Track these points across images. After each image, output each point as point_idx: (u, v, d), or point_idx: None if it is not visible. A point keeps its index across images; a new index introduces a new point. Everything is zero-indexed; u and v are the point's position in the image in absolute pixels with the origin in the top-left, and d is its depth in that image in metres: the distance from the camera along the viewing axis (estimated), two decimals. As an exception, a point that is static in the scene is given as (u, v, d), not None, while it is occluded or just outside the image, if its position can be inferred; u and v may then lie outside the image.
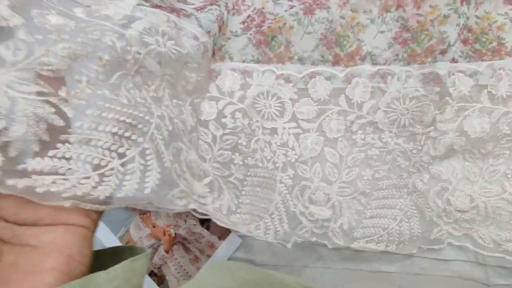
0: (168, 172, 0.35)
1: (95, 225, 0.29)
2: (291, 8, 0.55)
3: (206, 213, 0.41)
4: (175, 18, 0.41)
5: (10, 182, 0.26)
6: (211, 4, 0.47)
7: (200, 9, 0.47)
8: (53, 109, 0.28)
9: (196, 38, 0.45)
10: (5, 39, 0.26)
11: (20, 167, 0.26)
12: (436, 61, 0.50)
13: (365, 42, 0.53)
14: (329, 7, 0.51)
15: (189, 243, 0.74)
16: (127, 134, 0.33)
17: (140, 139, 0.34)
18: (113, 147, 0.32)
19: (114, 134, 0.32)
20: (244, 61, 0.53)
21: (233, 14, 0.55)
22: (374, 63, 0.53)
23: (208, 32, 0.46)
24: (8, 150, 0.26)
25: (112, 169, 0.31)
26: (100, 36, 0.32)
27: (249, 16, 0.57)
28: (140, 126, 0.34)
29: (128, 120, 0.33)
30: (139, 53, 0.35)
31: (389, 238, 0.53)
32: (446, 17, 0.49)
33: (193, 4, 0.50)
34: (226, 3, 0.51)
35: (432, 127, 0.51)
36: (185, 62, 0.44)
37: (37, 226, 0.26)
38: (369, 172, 0.54)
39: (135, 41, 0.36)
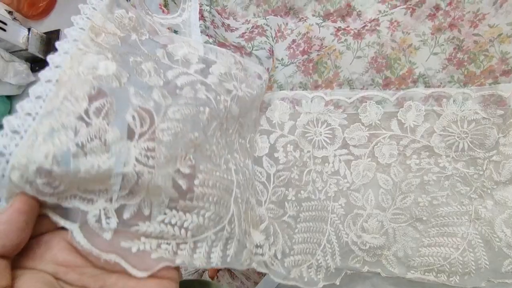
0: (242, 234, 0.34)
1: (181, 276, 0.28)
2: (337, 31, 0.54)
3: (265, 271, 0.40)
4: (240, 58, 0.41)
5: (124, 244, 0.25)
6: (260, 35, 0.47)
7: (250, 39, 0.47)
8: (171, 182, 0.28)
9: (259, 77, 0.44)
10: (125, 107, 0.26)
11: (133, 229, 0.26)
12: (498, 83, 0.47)
13: (417, 64, 0.51)
14: (379, 31, 0.50)
15: (235, 269, 0.73)
16: (223, 201, 0.33)
17: (229, 204, 0.33)
18: (213, 216, 0.31)
19: (216, 202, 0.31)
20: (292, 89, 0.52)
21: (277, 41, 0.55)
22: (427, 85, 0.51)
23: (267, 69, 0.46)
24: (123, 213, 0.26)
25: (206, 236, 0.30)
26: (195, 93, 0.32)
27: (294, 41, 0.56)
28: (229, 189, 0.33)
29: (222, 185, 0.33)
30: (227, 101, 0.35)
31: (451, 269, 0.50)
32: (509, 36, 0.46)
33: (238, 28, 0.50)
34: (272, 33, 0.50)
35: (495, 151, 0.49)
36: (253, 101, 0.43)
37: (127, 276, 0.25)
38: (425, 198, 0.52)
39: (220, 89, 0.35)
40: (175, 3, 0.44)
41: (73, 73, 0.26)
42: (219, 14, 0.53)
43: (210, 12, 0.47)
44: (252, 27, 0.51)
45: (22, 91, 0.81)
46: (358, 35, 0.51)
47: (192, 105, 0.31)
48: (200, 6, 0.46)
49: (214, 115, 0.34)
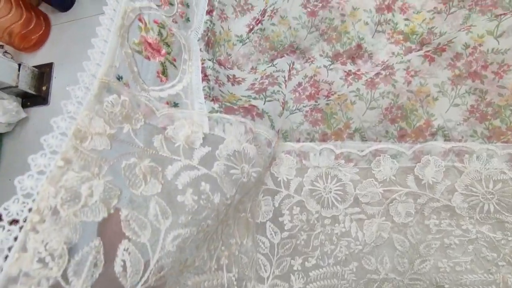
0: None
1: None
2: (347, 75, 0.50)
3: None
4: (250, 125, 0.37)
5: None
6: (272, 84, 0.43)
7: (261, 91, 0.42)
8: None
9: (269, 144, 0.40)
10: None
11: None
12: (528, 141, 0.43)
13: (436, 116, 0.47)
14: (394, 80, 0.45)
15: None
16: None
17: None
18: None
19: None
20: (299, 140, 0.48)
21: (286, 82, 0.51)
22: (446, 139, 0.46)
23: (278, 131, 0.41)
24: None
25: None
26: (198, 198, 0.29)
27: (300, 84, 0.52)
28: None
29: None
30: (232, 197, 0.31)
31: None
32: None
33: (244, 79, 0.45)
34: (284, 77, 0.46)
35: (525, 216, 0.43)
36: (259, 178, 0.39)
37: None
38: (447, 264, 0.47)
39: (227, 181, 0.32)
40: (174, 66, 0.40)
41: (48, 215, 0.22)
42: (222, 65, 0.49)
43: (213, 69, 0.44)
44: (261, 77, 0.47)
45: (13, 128, 0.77)
46: (372, 84, 0.47)
47: (194, 223, 0.29)
48: (203, 63, 0.43)
49: (214, 219, 0.30)
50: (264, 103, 0.44)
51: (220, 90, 0.43)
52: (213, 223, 0.33)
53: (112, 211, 0.26)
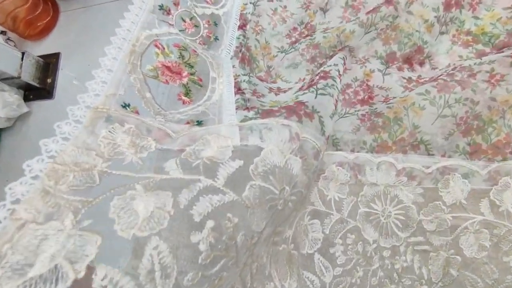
0: None
1: None
2: (408, 82, 0.42)
3: None
4: (296, 127, 0.30)
5: None
6: (324, 78, 0.35)
7: (311, 85, 0.35)
8: None
9: (317, 155, 0.33)
10: None
11: None
12: None
13: (520, 131, 0.38)
14: (475, 84, 0.38)
15: None
16: None
17: None
18: None
19: None
20: (353, 149, 0.40)
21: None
22: (532, 158, 0.38)
23: (327, 137, 0.34)
24: None
25: None
26: (224, 244, 0.23)
27: (349, 86, 0.45)
28: None
29: None
30: (259, 232, 0.24)
31: None
32: None
33: (291, 88, 0.39)
34: (338, 70, 0.38)
35: None
36: (302, 202, 0.32)
37: None
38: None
39: (258, 215, 0.26)
40: (200, 85, 0.38)
41: None
42: (262, 81, 0.43)
43: (249, 82, 0.41)
44: (311, 80, 0.40)
45: (13, 123, 0.69)
46: (446, 87, 0.39)
47: (202, 282, 0.23)
48: (236, 79, 0.38)
49: (232, 268, 0.25)
50: (315, 97, 0.36)
51: (260, 100, 0.37)
52: (229, 273, 0.26)
53: (81, 274, 0.19)
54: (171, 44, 0.38)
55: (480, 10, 0.45)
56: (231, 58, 0.46)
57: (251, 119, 0.34)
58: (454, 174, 0.41)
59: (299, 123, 0.34)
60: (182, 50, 0.37)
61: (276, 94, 0.42)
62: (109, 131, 0.27)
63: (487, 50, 0.43)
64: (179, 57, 0.37)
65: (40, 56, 0.73)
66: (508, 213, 0.40)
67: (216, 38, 0.47)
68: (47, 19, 0.75)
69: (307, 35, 0.51)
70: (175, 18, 0.39)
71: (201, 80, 0.38)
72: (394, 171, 0.41)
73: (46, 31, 0.76)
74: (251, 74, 0.46)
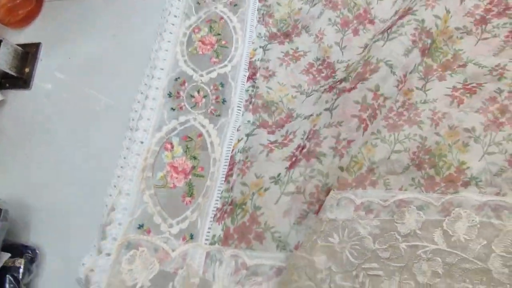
0: None
1: None
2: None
3: None
4: (244, 257, 0.38)
5: None
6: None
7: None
8: None
9: (277, 273, 0.48)
10: None
11: None
12: None
13: (468, 165, 0.42)
14: (421, 121, 0.41)
15: None
16: None
17: None
18: None
19: None
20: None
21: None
22: (482, 191, 0.42)
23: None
24: None
25: None
26: None
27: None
28: None
29: None
30: None
31: None
32: None
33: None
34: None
35: None
36: None
37: None
38: None
39: None
40: (202, 176, 0.49)
41: None
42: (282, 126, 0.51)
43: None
44: None
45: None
46: (395, 126, 0.43)
47: None
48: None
49: None
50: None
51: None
52: None
53: None
54: (179, 138, 0.43)
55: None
56: (242, 115, 0.50)
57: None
58: (410, 207, 0.44)
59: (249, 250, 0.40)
60: (188, 141, 0.41)
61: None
62: (128, 258, 0.36)
63: (434, 66, 0.46)
64: (185, 151, 0.41)
65: (20, 45, 0.72)
66: (460, 242, 0.44)
67: (224, 101, 0.51)
68: (30, 8, 0.73)
69: (327, 76, 0.53)
70: (185, 98, 0.43)
71: (202, 169, 0.44)
72: (352, 206, 0.45)
73: (27, 20, 0.74)
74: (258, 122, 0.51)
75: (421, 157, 0.44)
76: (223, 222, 0.42)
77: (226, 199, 0.43)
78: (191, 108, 0.45)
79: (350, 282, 0.44)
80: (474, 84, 0.44)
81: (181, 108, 0.45)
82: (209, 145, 0.44)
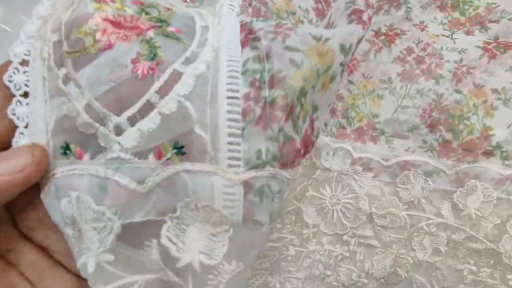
0: None
1: None
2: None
3: None
4: None
5: None
6: None
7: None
8: None
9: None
10: None
11: None
12: None
13: (495, 131, 0.37)
14: (440, 75, 0.37)
15: None
16: None
17: None
18: None
19: None
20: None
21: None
22: (506, 163, 0.37)
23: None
24: None
25: None
26: None
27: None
28: None
29: None
30: None
31: None
32: None
33: None
34: None
35: None
36: None
37: None
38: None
39: None
40: (176, 39, 0.22)
41: None
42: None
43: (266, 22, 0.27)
44: None
45: None
46: (410, 76, 0.38)
47: None
48: (243, 23, 0.26)
49: None
50: None
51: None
52: None
53: None
54: None
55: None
56: (237, 16, 0.31)
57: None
58: (416, 171, 0.40)
59: None
60: (147, 7, 0.23)
61: None
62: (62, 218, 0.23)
63: (462, 20, 0.41)
64: (139, 13, 0.22)
65: None
66: (470, 218, 0.39)
67: None
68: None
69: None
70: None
71: (179, 31, 0.22)
72: (349, 159, 0.41)
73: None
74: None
75: (435, 116, 0.39)
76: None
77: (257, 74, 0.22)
78: None
79: (339, 248, 0.41)
80: (508, 41, 0.39)
81: None
82: (194, 15, 0.24)
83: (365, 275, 0.40)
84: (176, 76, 0.21)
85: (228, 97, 0.21)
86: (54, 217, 0.22)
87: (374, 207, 0.40)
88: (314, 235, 0.40)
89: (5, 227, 0.23)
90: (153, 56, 0.20)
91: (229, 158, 0.21)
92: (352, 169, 0.41)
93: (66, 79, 0.21)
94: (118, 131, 0.21)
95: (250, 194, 0.22)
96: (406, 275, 0.40)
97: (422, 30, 0.41)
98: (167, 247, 0.21)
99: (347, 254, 0.41)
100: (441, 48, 0.40)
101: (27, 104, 0.21)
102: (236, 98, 0.21)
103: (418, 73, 0.39)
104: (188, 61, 0.21)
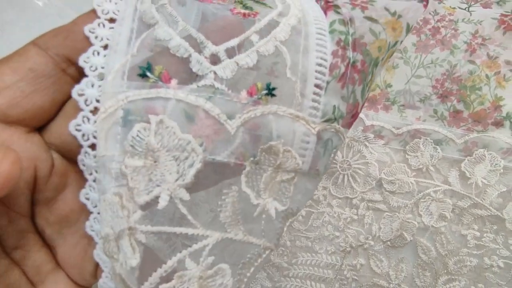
0: None
1: None
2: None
3: None
4: None
5: None
6: None
7: None
8: None
9: None
10: None
11: None
12: None
13: (506, 102, 0.38)
14: (455, 46, 0.38)
15: None
16: None
17: None
18: None
19: None
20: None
21: None
22: (515, 133, 0.38)
23: None
24: None
25: None
26: None
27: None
28: None
29: None
30: None
31: None
32: None
33: None
34: None
35: None
36: None
37: None
38: (481, 290, 0.39)
39: None
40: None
41: None
42: None
43: None
44: None
45: None
46: (425, 46, 0.40)
47: None
48: None
49: None
50: None
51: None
52: None
53: None
54: None
55: None
56: None
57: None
58: (426, 139, 0.42)
59: None
60: None
61: None
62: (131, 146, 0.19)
63: None
64: None
65: None
66: (476, 186, 0.41)
67: None
68: None
69: None
70: None
71: None
72: (361, 126, 0.43)
73: None
74: None
75: (447, 87, 0.41)
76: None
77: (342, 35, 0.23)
78: None
79: (348, 211, 0.43)
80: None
81: None
82: None
83: (372, 237, 0.42)
84: (275, 23, 0.21)
85: (317, 51, 0.22)
86: (108, 150, 0.19)
87: (383, 173, 0.42)
88: (325, 197, 0.42)
89: (22, 221, 0.22)
90: (250, 9, 0.21)
91: (311, 108, 0.21)
92: (364, 136, 0.43)
93: (160, 9, 0.20)
94: (215, 60, 0.20)
95: (318, 145, 0.22)
96: (411, 239, 0.42)
97: (440, 2, 0.42)
98: (248, 194, 0.21)
99: (356, 217, 0.43)
100: (457, 20, 0.41)
101: (110, 28, 0.20)
102: (325, 53, 0.22)
103: (433, 43, 0.41)
104: (281, 15, 0.22)
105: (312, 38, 0.22)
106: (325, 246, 0.42)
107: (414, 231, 0.42)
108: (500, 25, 0.40)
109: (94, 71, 0.19)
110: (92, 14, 0.20)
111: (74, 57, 0.20)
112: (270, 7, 0.22)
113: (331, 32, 0.22)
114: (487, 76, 0.40)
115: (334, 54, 0.22)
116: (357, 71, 0.23)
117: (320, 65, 0.21)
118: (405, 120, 0.42)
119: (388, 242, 0.42)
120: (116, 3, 0.20)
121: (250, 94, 0.20)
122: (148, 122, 0.19)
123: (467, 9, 0.41)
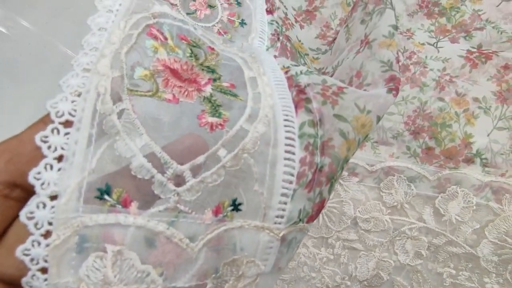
0: None
1: None
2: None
3: None
4: None
5: None
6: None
7: None
8: None
9: None
10: None
11: None
12: None
13: (475, 139, 0.39)
14: (424, 83, 0.39)
15: None
16: None
17: None
18: None
19: None
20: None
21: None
22: (486, 170, 0.39)
23: None
24: None
25: None
26: None
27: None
28: None
29: None
30: None
31: None
32: None
33: None
34: None
35: None
36: None
37: None
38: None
39: None
40: (232, 95, 0.23)
41: None
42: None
43: (309, 73, 0.27)
44: None
45: None
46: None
47: None
48: (287, 71, 0.27)
49: None
50: None
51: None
52: None
53: None
54: (175, 34, 0.23)
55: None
56: (266, 49, 0.34)
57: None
58: (400, 176, 0.42)
59: None
60: (193, 46, 0.23)
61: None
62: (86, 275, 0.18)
63: (448, 26, 0.43)
64: (190, 56, 0.23)
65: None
66: (450, 223, 0.41)
67: (243, 23, 0.33)
68: None
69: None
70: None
71: (233, 86, 0.23)
72: (335, 164, 0.42)
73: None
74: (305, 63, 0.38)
75: (419, 123, 0.41)
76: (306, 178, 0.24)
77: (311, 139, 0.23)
78: (186, 14, 0.29)
79: (323, 251, 0.43)
80: (490, 50, 0.41)
81: (172, 5, 0.29)
82: (239, 61, 0.25)
83: (349, 277, 0.42)
84: (243, 133, 0.20)
85: (285, 159, 0.21)
86: (61, 277, 0.18)
87: (358, 211, 0.42)
88: (299, 238, 0.42)
89: None
90: (218, 114, 0.21)
91: (277, 216, 0.21)
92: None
93: (122, 115, 0.18)
94: (179, 181, 0.19)
95: (282, 246, 0.22)
96: (388, 278, 0.42)
97: (409, 38, 0.43)
98: None
99: (332, 257, 0.42)
100: (426, 57, 0.42)
101: (66, 133, 0.18)
102: (293, 160, 0.21)
103: (403, 80, 0.41)
104: (250, 119, 0.21)
105: (281, 146, 0.21)
106: (301, 287, 0.42)
107: (391, 270, 0.42)
108: (466, 63, 0.41)
109: (45, 189, 0.18)
110: (46, 118, 0.18)
111: (19, 179, 0.18)
112: (240, 99, 0.21)
113: (301, 136, 0.22)
114: (456, 113, 0.41)
115: (302, 161, 0.21)
116: (325, 174, 0.23)
117: (287, 173, 0.21)
118: (379, 157, 0.42)
119: (365, 282, 0.42)
120: (73, 101, 0.18)
121: (215, 213, 0.20)
122: (105, 251, 0.18)
123: (435, 44, 0.42)
